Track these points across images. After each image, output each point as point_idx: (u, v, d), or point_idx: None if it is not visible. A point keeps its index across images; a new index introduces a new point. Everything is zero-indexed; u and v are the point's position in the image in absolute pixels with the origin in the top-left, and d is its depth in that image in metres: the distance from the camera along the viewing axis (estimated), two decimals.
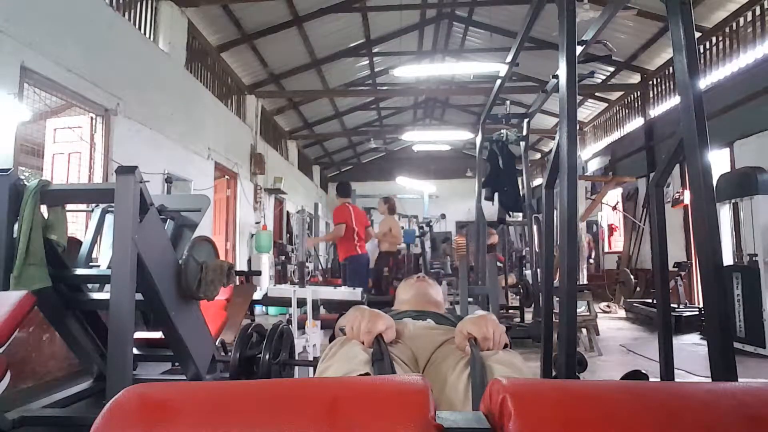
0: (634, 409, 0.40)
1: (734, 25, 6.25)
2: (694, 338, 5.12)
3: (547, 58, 8.18)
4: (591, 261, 9.72)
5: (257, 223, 9.24)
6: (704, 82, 6.47)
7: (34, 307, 1.67)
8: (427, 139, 13.14)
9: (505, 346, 1.11)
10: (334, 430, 0.40)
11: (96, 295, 2.29)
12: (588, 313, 4.54)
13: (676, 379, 2.23)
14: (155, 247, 2.06)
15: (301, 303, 3.53)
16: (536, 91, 5.93)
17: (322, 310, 3.90)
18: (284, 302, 4.06)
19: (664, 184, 2.02)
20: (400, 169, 15.94)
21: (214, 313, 3.18)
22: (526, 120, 5.00)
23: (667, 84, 8.01)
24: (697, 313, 5.60)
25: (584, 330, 4.46)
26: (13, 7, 3.63)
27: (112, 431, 0.41)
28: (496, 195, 5.28)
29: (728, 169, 5.66)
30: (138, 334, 2.35)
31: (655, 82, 8.38)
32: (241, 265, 8.17)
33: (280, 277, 9.44)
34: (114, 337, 1.87)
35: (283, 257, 9.97)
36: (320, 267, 10.95)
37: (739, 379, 1.63)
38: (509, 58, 3.62)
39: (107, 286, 2.10)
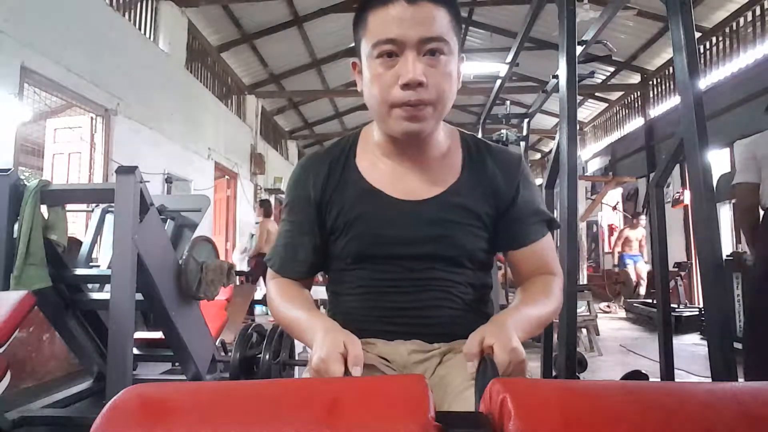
0: (634, 409, 0.40)
1: (734, 25, 6.26)
2: (694, 338, 5.12)
3: (547, 58, 8.17)
4: (645, 262, 7.83)
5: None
6: (704, 82, 6.48)
7: (34, 307, 1.67)
8: None
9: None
10: (334, 430, 0.40)
11: (96, 295, 2.29)
12: (588, 313, 4.54)
13: (676, 379, 2.23)
14: (155, 247, 2.06)
15: None
16: (536, 91, 5.94)
17: (322, 310, 3.89)
18: None
19: (664, 184, 2.02)
20: None
21: (214, 313, 3.18)
22: (526, 120, 4.99)
23: (667, 84, 8.02)
24: (697, 313, 5.60)
25: (584, 330, 4.46)
26: (13, 7, 3.63)
27: (112, 431, 0.41)
28: None
29: (728, 169, 5.66)
30: (138, 334, 2.36)
31: (655, 82, 8.38)
32: (241, 266, 8.17)
33: None
34: (114, 337, 1.87)
35: None
36: None
37: (739, 379, 1.64)
38: (509, 58, 3.62)
39: (107, 286, 2.11)
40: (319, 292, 3.88)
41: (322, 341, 0.73)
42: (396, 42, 0.79)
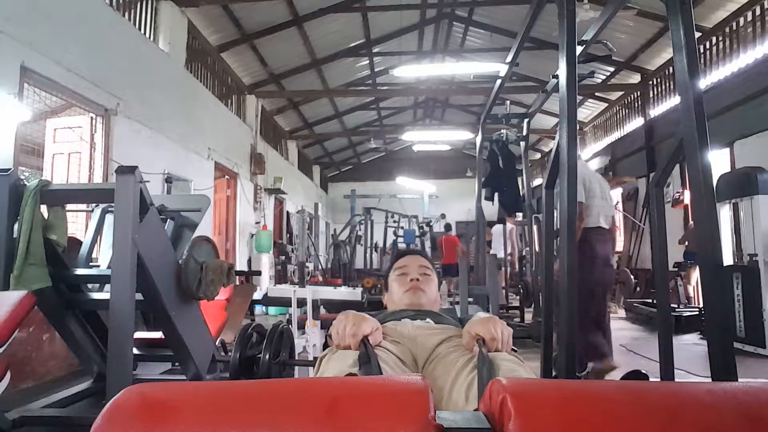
0: (634, 409, 0.40)
1: (734, 25, 6.26)
2: (694, 338, 5.12)
3: (547, 58, 8.18)
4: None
5: (257, 223, 9.24)
6: (704, 82, 6.47)
7: (34, 307, 1.67)
8: (427, 139, 13.15)
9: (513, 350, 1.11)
10: (334, 430, 0.40)
11: (96, 295, 2.29)
12: None
13: (676, 379, 2.23)
14: (155, 247, 2.06)
15: (301, 303, 3.53)
16: (536, 91, 5.94)
17: (322, 310, 3.89)
18: (284, 302, 4.06)
19: (664, 184, 2.02)
20: (400, 169, 15.95)
21: (214, 313, 3.18)
22: (526, 120, 5.00)
23: (667, 84, 8.01)
24: (697, 313, 5.60)
25: None
26: (13, 7, 3.63)
27: (112, 431, 0.41)
28: (496, 195, 5.28)
29: (728, 169, 5.66)
30: (138, 334, 2.36)
31: (655, 82, 8.38)
32: (241, 265, 8.17)
33: (280, 277, 9.44)
34: (114, 337, 1.87)
35: (283, 257, 9.98)
36: (320, 267, 10.95)
37: (739, 379, 1.63)
38: (509, 58, 3.62)
39: (107, 286, 2.10)
40: (319, 292, 3.89)
41: (355, 315, 1.10)
42: (406, 268, 1.54)
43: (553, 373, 2.09)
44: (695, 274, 6.26)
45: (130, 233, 1.87)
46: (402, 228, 11.58)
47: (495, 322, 1.06)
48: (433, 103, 14.22)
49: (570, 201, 1.77)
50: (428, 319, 1.31)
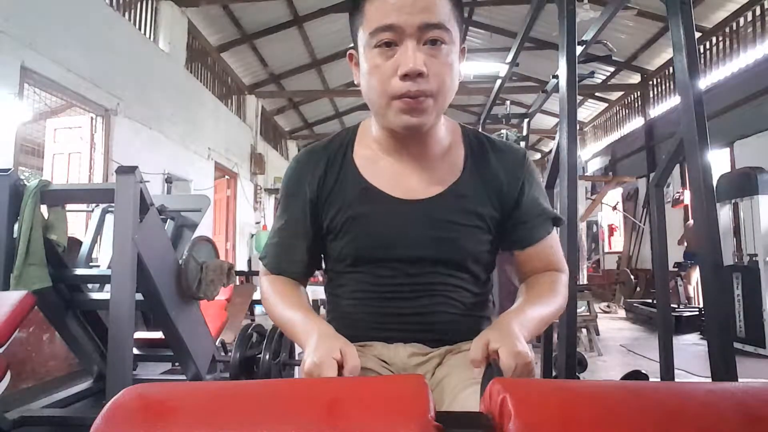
0: (634, 409, 0.40)
1: (734, 25, 6.26)
2: (694, 338, 5.12)
3: (547, 58, 8.17)
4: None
5: (257, 223, 9.25)
6: (704, 82, 6.47)
7: (34, 307, 1.67)
8: None
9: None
10: (333, 430, 0.40)
11: (96, 295, 2.29)
12: (588, 313, 4.54)
13: (676, 379, 2.23)
14: (155, 247, 2.06)
15: None
16: (536, 91, 5.94)
17: (322, 310, 3.90)
18: None
19: (664, 184, 2.02)
20: None
21: (214, 313, 3.18)
22: (526, 120, 5.00)
23: (667, 84, 8.01)
24: (697, 313, 5.60)
25: (584, 330, 4.46)
26: (13, 7, 3.63)
27: (112, 431, 0.41)
28: None
29: (728, 169, 5.66)
30: (138, 334, 2.36)
31: (655, 82, 8.39)
32: (241, 265, 8.17)
33: None
34: (114, 337, 1.87)
35: None
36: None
37: (739, 379, 1.63)
38: (509, 58, 3.62)
39: (107, 286, 2.11)
40: (319, 292, 3.88)
41: (317, 345, 0.69)
42: (395, 29, 0.73)
43: (553, 373, 2.09)
44: (695, 274, 6.24)
45: (130, 233, 1.87)
46: None
47: (518, 356, 0.65)
48: None
49: (570, 201, 1.77)
50: (424, 344, 0.89)
